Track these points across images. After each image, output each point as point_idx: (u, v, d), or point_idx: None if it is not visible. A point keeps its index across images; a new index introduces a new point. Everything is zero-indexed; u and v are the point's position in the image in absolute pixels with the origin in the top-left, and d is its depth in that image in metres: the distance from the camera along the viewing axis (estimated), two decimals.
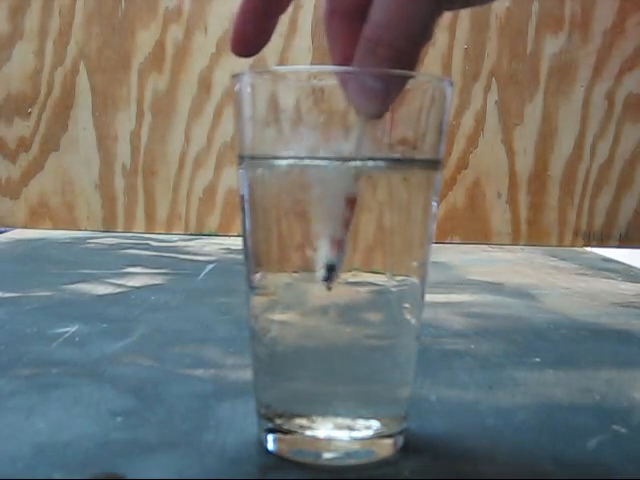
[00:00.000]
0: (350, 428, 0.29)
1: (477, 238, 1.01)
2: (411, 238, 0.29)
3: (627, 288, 0.69)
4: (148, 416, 0.33)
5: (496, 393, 0.38)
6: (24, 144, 1.00)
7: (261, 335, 0.29)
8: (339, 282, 0.28)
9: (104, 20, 0.98)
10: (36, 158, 1.01)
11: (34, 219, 1.02)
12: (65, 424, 0.32)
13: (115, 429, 0.31)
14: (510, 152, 1.00)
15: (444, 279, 0.70)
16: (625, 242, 1.01)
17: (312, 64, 0.98)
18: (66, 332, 0.47)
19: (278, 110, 0.28)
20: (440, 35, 0.97)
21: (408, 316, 0.29)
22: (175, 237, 0.98)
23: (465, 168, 1.00)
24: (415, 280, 0.29)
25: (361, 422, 0.29)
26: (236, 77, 0.29)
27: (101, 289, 0.60)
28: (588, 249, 0.99)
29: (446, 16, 0.95)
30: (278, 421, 0.29)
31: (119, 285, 0.62)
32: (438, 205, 0.31)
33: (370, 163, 0.27)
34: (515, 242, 1.01)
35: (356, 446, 0.29)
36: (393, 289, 0.28)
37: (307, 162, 0.27)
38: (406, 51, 0.27)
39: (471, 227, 1.01)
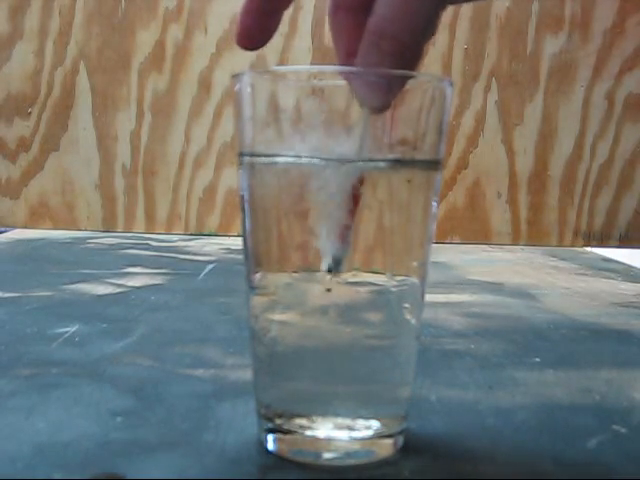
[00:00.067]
0: (350, 428, 0.29)
1: (477, 238, 1.01)
2: (411, 238, 0.29)
3: (627, 288, 0.69)
4: (148, 416, 0.33)
5: (496, 393, 0.38)
6: (24, 144, 1.00)
7: (261, 335, 0.29)
8: (339, 282, 0.28)
9: (104, 20, 0.98)
10: (36, 158, 1.01)
11: (34, 219, 1.02)
12: (65, 424, 0.32)
13: (115, 429, 0.31)
14: (510, 152, 1.00)
15: (444, 279, 0.70)
16: (625, 242, 1.01)
17: (312, 64, 0.98)
18: (66, 332, 0.47)
19: (278, 110, 0.28)
20: (440, 35, 0.97)
21: (408, 316, 0.29)
22: (175, 237, 0.98)
23: (465, 168, 1.00)
24: (415, 280, 0.29)
25: (361, 422, 0.29)
26: (236, 77, 0.29)
27: (101, 289, 0.60)
28: (588, 249, 0.99)
29: (446, 16, 0.95)
30: (278, 421, 0.29)
31: (119, 285, 0.62)
32: (438, 205, 0.31)
33: (370, 163, 0.27)
34: (515, 242, 1.01)
35: (356, 446, 0.29)
36: (393, 289, 0.28)
37: (307, 162, 0.27)
38: (410, 45, 0.27)
39: (471, 227, 1.01)
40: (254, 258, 0.29)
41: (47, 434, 0.30)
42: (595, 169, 0.99)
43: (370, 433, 0.29)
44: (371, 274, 0.28)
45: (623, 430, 0.33)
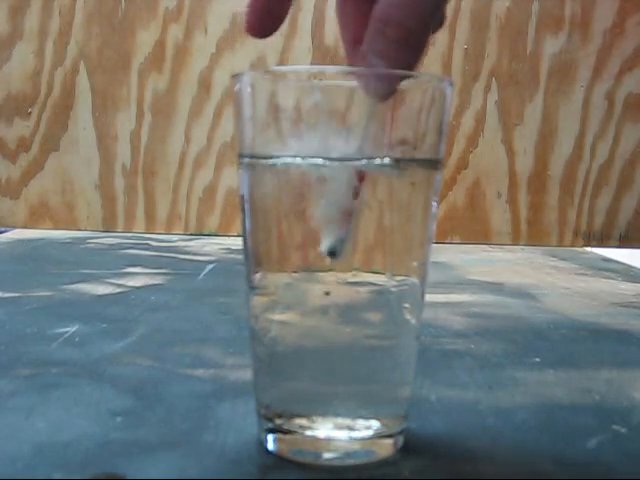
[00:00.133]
0: (350, 428, 0.29)
1: (477, 238, 1.01)
2: (411, 238, 0.29)
3: (627, 288, 0.69)
4: (148, 416, 0.33)
5: (496, 393, 0.38)
6: (24, 144, 1.00)
7: (261, 335, 0.29)
8: (339, 282, 0.28)
9: (104, 20, 0.98)
10: (36, 158, 1.01)
11: (34, 219, 1.02)
12: (65, 424, 0.32)
13: (115, 429, 0.31)
14: (510, 152, 1.00)
15: (444, 279, 0.70)
16: (625, 242, 1.01)
17: (312, 64, 0.98)
18: (66, 332, 0.47)
19: (278, 110, 0.28)
20: (440, 35, 0.97)
21: (408, 316, 0.29)
22: (175, 237, 0.98)
23: (465, 168, 1.00)
24: (415, 280, 0.29)
25: (361, 422, 0.29)
26: (236, 77, 0.29)
27: (101, 289, 0.60)
28: (588, 249, 0.99)
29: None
30: (278, 421, 0.29)
31: (119, 285, 0.62)
32: (438, 205, 0.31)
33: (370, 163, 0.27)
34: (515, 242, 1.01)
35: (356, 446, 0.29)
36: (393, 289, 0.28)
37: (307, 162, 0.27)
38: (415, 32, 0.27)
39: (471, 227, 1.01)
40: (254, 258, 0.29)
41: (47, 434, 0.30)
42: (595, 169, 0.99)
43: (370, 433, 0.29)
44: (371, 274, 0.28)
45: (623, 430, 0.33)
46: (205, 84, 0.99)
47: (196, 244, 0.91)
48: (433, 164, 0.29)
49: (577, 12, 0.97)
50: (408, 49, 0.27)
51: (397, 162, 0.28)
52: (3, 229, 1.01)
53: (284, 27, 1.03)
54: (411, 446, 0.30)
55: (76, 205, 1.01)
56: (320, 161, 0.27)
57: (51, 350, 0.43)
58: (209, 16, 0.98)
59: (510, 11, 0.97)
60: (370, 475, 0.28)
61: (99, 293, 0.59)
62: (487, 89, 0.98)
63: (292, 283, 0.28)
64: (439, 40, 0.97)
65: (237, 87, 0.29)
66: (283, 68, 0.35)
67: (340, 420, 0.28)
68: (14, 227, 1.01)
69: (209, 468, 0.28)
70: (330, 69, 0.28)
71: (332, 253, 0.27)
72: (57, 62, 0.99)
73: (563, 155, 0.99)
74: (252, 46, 0.98)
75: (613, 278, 0.74)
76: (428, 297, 0.31)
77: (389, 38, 0.27)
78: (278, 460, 0.29)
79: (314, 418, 0.28)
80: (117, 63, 0.99)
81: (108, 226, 1.01)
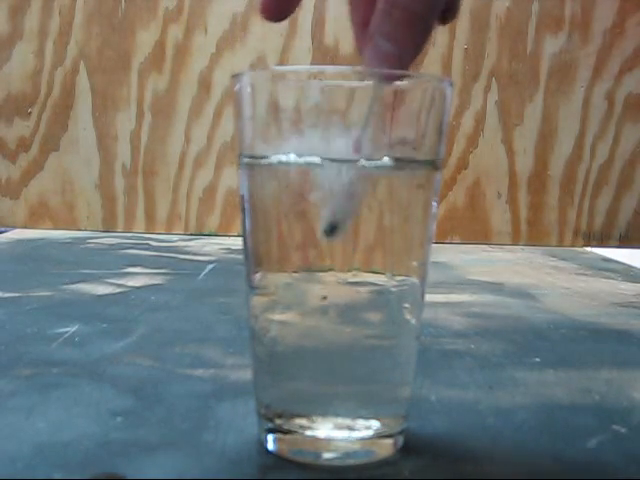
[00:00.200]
0: (350, 428, 0.29)
1: (477, 238, 1.01)
2: (411, 238, 0.29)
3: (627, 288, 0.69)
4: (148, 416, 0.33)
5: (496, 393, 0.38)
6: (24, 144, 1.00)
7: (261, 335, 0.29)
8: (339, 282, 0.28)
9: (104, 20, 0.98)
10: (36, 158, 1.01)
11: (34, 219, 1.02)
12: (65, 424, 0.32)
13: (115, 429, 0.31)
14: (510, 152, 1.00)
15: (444, 279, 0.70)
16: (625, 242, 1.01)
17: (312, 64, 0.98)
18: (66, 332, 0.47)
19: (278, 110, 0.28)
20: (440, 35, 0.97)
21: (408, 316, 0.29)
22: (175, 237, 0.98)
23: (465, 168, 1.00)
24: (415, 280, 0.29)
25: (361, 422, 0.29)
26: (236, 77, 0.29)
27: (101, 289, 0.60)
28: (588, 249, 0.99)
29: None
30: (278, 421, 0.29)
31: (119, 285, 0.62)
32: (438, 205, 0.31)
33: (370, 163, 0.27)
34: (515, 242, 1.01)
35: (356, 446, 0.29)
36: (393, 289, 0.28)
37: (307, 162, 0.27)
38: (422, 14, 0.27)
39: (471, 227, 1.01)
40: (254, 258, 0.29)
41: (47, 434, 0.30)
42: (595, 169, 0.99)
43: (370, 433, 0.29)
44: (371, 274, 0.28)
45: (623, 430, 0.33)
46: (205, 84, 0.99)
47: (196, 244, 0.91)
48: (433, 164, 0.29)
49: (577, 12, 0.97)
50: (414, 31, 0.27)
51: (397, 162, 0.28)
52: (3, 229, 1.01)
53: (284, 27, 1.03)
54: (411, 446, 0.30)
55: (76, 205, 1.01)
56: (320, 161, 0.27)
57: (51, 350, 0.43)
58: (209, 16, 0.98)
59: (510, 11, 0.97)
60: (370, 475, 0.28)
61: (99, 293, 0.59)
62: (487, 89, 0.98)
63: (292, 283, 0.28)
64: (439, 40, 0.97)
65: (237, 87, 0.29)
66: (283, 68, 0.35)
67: (340, 420, 0.28)
68: (14, 227, 1.01)
69: (209, 468, 0.28)
70: (330, 69, 0.28)
71: (331, 230, 0.27)
72: (57, 62, 0.99)
73: (563, 155, 0.99)
74: (252, 46, 0.98)
75: (613, 278, 0.74)
76: (428, 297, 0.31)
77: (396, 20, 0.27)
78: (278, 460, 0.29)
79: (314, 418, 0.28)
80: (117, 63, 0.99)
81: (108, 226, 1.01)
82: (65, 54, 0.99)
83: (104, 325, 0.49)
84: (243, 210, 0.30)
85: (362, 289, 0.28)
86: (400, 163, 0.28)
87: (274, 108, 0.28)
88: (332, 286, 0.28)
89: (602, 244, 1.00)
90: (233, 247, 0.88)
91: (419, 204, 0.29)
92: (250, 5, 0.97)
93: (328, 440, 0.28)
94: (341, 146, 0.27)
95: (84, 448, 0.29)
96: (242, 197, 0.30)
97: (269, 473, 0.28)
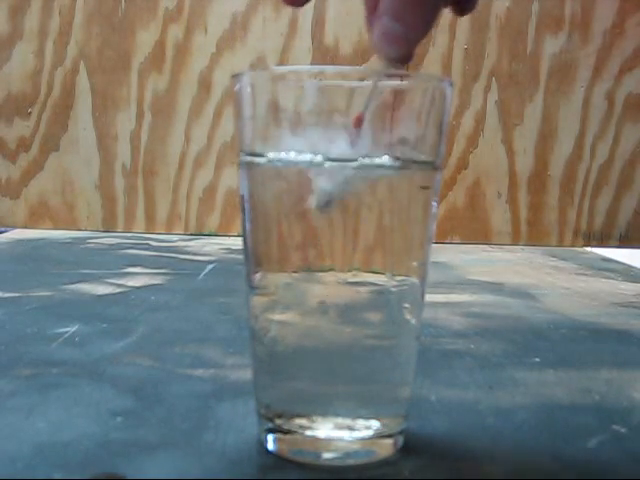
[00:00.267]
0: (350, 428, 0.29)
1: (477, 238, 1.01)
2: (411, 238, 0.29)
3: (627, 288, 0.69)
4: (148, 416, 0.33)
5: (496, 393, 0.38)
6: (24, 144, 1.00)
7: (261, 335, 0.29)
8: (339, 282, 0.28)
9: (104, 20, 0.98)
10: (36, 158, 1.01)
11: (34, 219, 1.02)
12: (65, 424, 0.32)
13: (115, 429, 0.31)
14: (510, 152, 1.00)
15: (444, 279, 0.70)
16: (625, 242, 1.01)
17: (312, 64, 0.98)
18: (66, 332, 0.47)
19: (278, 110, 0.28)
20: (440, 35, 0.97)
21: (408, 316, 0.29)
22: (175, 237, 0.98)
23: (465, 168, 1.00)
24: (415, 280, 0.29)
25: (361, 422, 0.29)
26: (236, 77, 0.29)
27: (101, 289, 0.60)
28: (588, 249, 0.99)
29: (446, 16, 0.94)
30: (278, 421, 0.29)
31: (119, 285, 0.62)
32: (438, 205, 0.31)
33: (370, 163, 0.27)
34: (515, 242, 1.01)
35: (356, 446, 0.29)
36: (393, 289, 0.28)
37: (307, 162, 0.27)
38: None
39: (471, 227, 1.01)
40: (254, 258, 0.29)
41: (47, 434, 0.30)
42: (595, 169, 0.99)
43: (370, 433, 0.29)
44: (371, 274, 0.28)
45: (623, 430, 0.33)
46: (205, 84, 0.99)
47: (196, 244, 0.91)
48: (433, 164, 0.29)
49: (577, 12, 0.97)
50: (422, 12, 0.27)
51: (397, 162, 0.28)
52: (3, 229, 1.01)
53: (284, 27, 1.03)
54: (411, 446, 0.30)
55: (76, 205, 1.01)
56: (320, 161, 0.27)
57: (51, 350, 0.43)
58: (209, 16, 0.98)
59: (510, 11, 0.97)
60: (370, 475, 0.28)
61: (99, 293, 0.59)
62: (487, 89, 0.98)
63: (292, 283, 0.28)
64: (439, 40, 0.97)
65: (237, 87, 0.29)
66: (283, 68, 0.35)
67: (340, 420, 0.28)
68: (14, 227, 1.01)
69: (209, 468, 0.28)
70: (330, 69, 0.28)
71: (326, 204, 0.27)
72: (57, 62, 0.99)
73: (563, 155, 0.99)
74: (252, 46, 0.98)
75: (613, 278, 0.74)
76: (428, 297, 0.31)
77: (404, 0, 0.27)
78: (278, 460, 0.29)
79: (314, 418, 0.28)
80: (117, 63, 0.99)
81: (108, 226, 1.01)
82: (65, 54, 0.99)
83: (104, 325, 0.49)
84: (243, 210, 0.30)
85: (362, 289, 0.28)
86: (400, 163, 0.28)
87: (274, 108, 0.28)
88: (332, 286, 0.28)
89: (602, 244, 1.00)
90: (233, 247, 0.88)
91: (419, 204, 0.29)
92: (250, 5, 0.97)
93: (328, 440, 0.28)
94: (341, 146, 0.27)
95: (84, 448, 0.29)
96: (242, 197, 0.30)
97: (269, 473, 0.28)
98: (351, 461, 0.29)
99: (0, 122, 1.00)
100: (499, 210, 1.00)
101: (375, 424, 0.29)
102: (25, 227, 1.01)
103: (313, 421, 0.28)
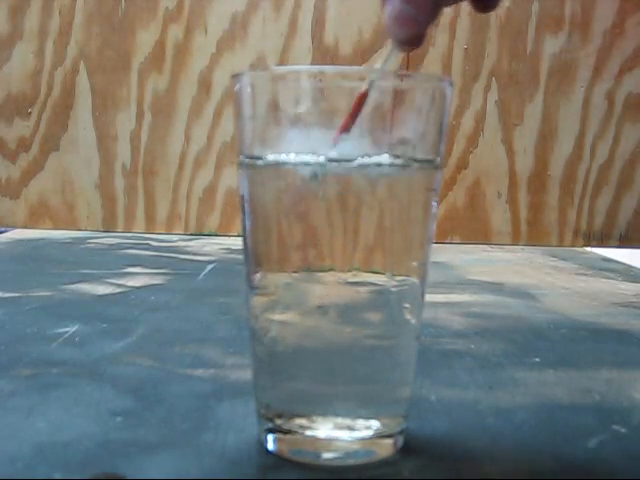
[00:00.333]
0: (350, 428, 0.29)
1: (477, 238, 1.01)
2: (411, 238, 0.29)
3: (627, 288, 0.69)
4: (148, 416, 0.33)
5: (496, 393, 0.38)
6: (24, 144, 1.00)
7: (261, 335, 0.29)
8: (339, 282, 0.28)
9: (104, 20, 0.98)
10: (36, 158, 1.01)
11: (34, 219, 1.02)
12: (65, 424, 0.32)
13: (115, 429, 0.31)
14: (510, 152, 1.00)
15: (444, 279, 0.70)
16: (625, 242, 1.01)
17: (312, 64, 0.98)
18: (66, 332, 0.47)
19: (278, 110, 0.28)
20: (440, 35, 0.97)
21: (408, 316, 0.29)
22: (175, 237, 0.98)
23: (465, 168, 1.00)
24: (415, 280, 0.29)
25: (361, 422, 0.29)
26: (236, 77, 0.29)
27: (101, 289, 0.60)
28: (588, 249, 0.99)
29: (446, 16, 0.95)
30: (278, 421, 0.29)
31: (119, 285, 0.62)
32: (438, 205, 0.31)
33: (370, 162, 0.27)
34: (515, 242, 1.01)
35: (356, 446, 0.29)
36: (393, 289, 0.28)
37: (307, 162, 0.27)
38: None
39: (471, 227, 1.01)
40: (254, 258, 0.29)
41: (47, 434, 0.30)
42: (595, 169, 0.99)
43: (370, 433, 0.29)
44: (371, 274, 0.28)
45: (623, 430, 0.33)
46: (205, 84, 0.99)
47: (196, 244, 0.91)
48: (433, 164, 0.29)
49: (577, 12, 0.97)
50: None
51: (397, 161, 0.28)
52: (3, 229, 1.01)
53: (284, 27, 1.03)
54: (411, 446, 0.30)
55: (76, 205, 1.01)
56: (320, 161, 0.27)
57: (51, 350, 0.43)
58: (209, 16, 0.98)
59: (510, 11, 0.97)
60: (370, 475, 0.28)
61: (99, 293, 0.59)
62: (487, 89, 0.98)
63: (292, 283, 0.28)
64: (439, 40, 0.97)
65: (237, 87, 0.29)
66: (283, 68, 0.35)
67: (340, 420, 0.28)
68: (14, 227, 1.01)
69: (209, 468, 0.28)
70: (330, 69, 0.28)
71: (314, 176, 0.27)
72: (57, 62, 0.99)
73: (563, 155, 0.99)
74: (252, 46, 0.98)
75: (613, 278, 0.74)
76: (428, 297, 0.31)
77: None
78: (278, 460, 0.29)
79: (314, 418, 0.28)
80: (117, 63, 0.99)
81: (108, 226, 1.01)
82: (65, 54, 0.99)
83: (104, 325, 0.49)
84: (243, 210, 0.30)
85: (362, 289, 0.28)
86: (400, 163, 0.28)
87: (274, 108, 0.28)
88: (332, 286, 0.28)
89: (602, 244, 1.00)
90: (233, 247, 0.88)
91: (419, 204, 0.29)
92: (250, 5, 0.97)
93: (328, 440, 0.28)
94: (341, 146, 0.27)
95: (84, 448, 0.29)
96: (242, 197, 0.30)
97: (269, 473, 0.28)
98: (351, 461, 0.29)
99: (0, 122, 1.00)
100: (499, 210, 1.00)
101: (375, 424, 0.29)
102: (25, 227, 1.01)
103: (313, 421, 0.28)
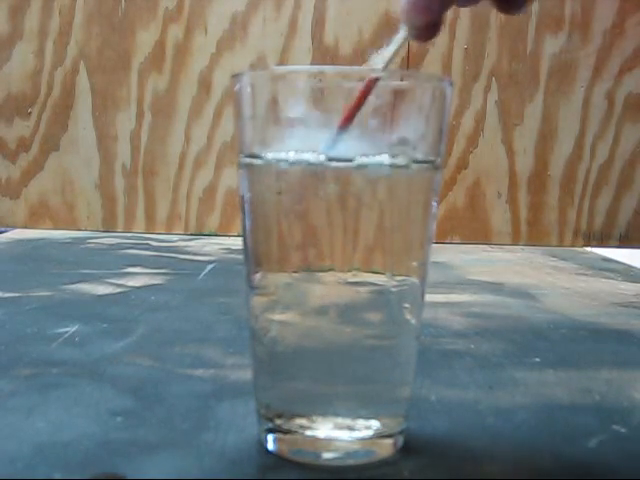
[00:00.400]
0: (350, 428, 0.29)
1: (477, 238, 1.01)
2: (411, 238, 0.29)
3: (627, 288, 0.69)
4: (148, 416, 0.33)
5: (496, 393, 0.38)
6: (24, 144, 1.00)
7: (261, 335, 0.29)
8: (339, 282, 0.28)
9: (104, 20, 0.98)
10: (36, 158, 1.01)
11: (34, 219, 1.02)
12: (65, 424, 0.32)
13: (115, 429, 0.31)
14: (510, 152, 1.00)
15: (444, 279, 0.70)
16: (625, 242, 1.01)
17: (312, 64, 0.98)
18: (66, 332, 0.47)
19: (278, 110, 0.28)
20: (440, 35, 0.96)
21: (408, 316, 0.29)
22: (175, 237, 0.98)
23: (465, 168, 1.00)
24: (415, 280, 0.29)
25: (361, 422, 0.29)
26: (236, 77, 0.29)
27: (101, 289, 0.60)
28: (588, 249, 0.99)
29: (446, 16, 0.94)
30: (278, 421, 0.29)
31: (119, 285, 0.62)
32: (438, 205, 0.31)
33: (370, 163, 0.27)
34: (515, 242, 1.01)
35: (356, 446, 0.29)
36: (393, 289, 0.28)
37: (307, 162, 0.27)
38: None
39: (471, 227, 1.01)
40: (254, 258, 0.29)
41: (47, 434, 0.30)
42: (595, 169, 0.99)
43: (370, 433, 0.29)
44: (371, 274, 0.28)
45: (623, 430, 0.33)
46: (205, 84, 0.99)
47: (196, 244, 0.91)
48: (433, 164, 0.29)
49: (577, 12, 0.97)
50: None
51: (397, 161, 0.28)
52: (3, 229, 1.01)
53: (284, 27, 1.02)
54: (411, 446, 0.30)
55: (76, 205, 1.01)
56: (320, 161, 0.27)
57: (51, 350, 0.43)
58: (209, 16, 0.98)
59: None
60: (370, 475, 0.28)
61: (99, 293, 0.59)
62: (487, 89, 0.98)
63: (292, 283, 0.28)
64: (439, 40, 0.97)
65: (237, 87, 0.29)
66: (283, 68, 0.35)
67: (340, 420, 0.28)
68: (14, 227, 1.01)
69: (209, 468, 0.28)
70: (330, 69, 0.28)
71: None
72: (57, 62, 0.99)
73: (563, 155, 0.99)
74: (252, 46, 0.98)
75: (613, 278, 0.74)
76: (428, 297, 0.31)
77: None
78: (278, 460, 0.29)
79: (314, 418, 0.28)
80: (117, 63, 0.99)
81: (108, 226, 1.01)
82: (65, 54, 0.99)
83: (104, 325, 0.49)
84: (243, 210, 0.30)
85: (362, 289, 0.28)
86: (400, 163, 0.28)
87: (274, 108, 0.28)
88: (332, 286, 0.28)
89: (602, 244, 1.00)
90: (233, 247, 0.88)
91: (419, 204, 0.29)
92: (250, 5, 0.97)
93: (328, 440, 0.28)
94: (341, 146, 0.27)
95: (84, 448, 0.29)
96: (242, 197, 0.30)
97: (269, 473, 0.28)
98: (351, 461, 0.29)
99: (0, 122, 1.00)
100: (499, 210, 1.00)
101: (375, 424, 0.29)
102: (25, 227, 1.01)
103: (313, 421, 0.28)
